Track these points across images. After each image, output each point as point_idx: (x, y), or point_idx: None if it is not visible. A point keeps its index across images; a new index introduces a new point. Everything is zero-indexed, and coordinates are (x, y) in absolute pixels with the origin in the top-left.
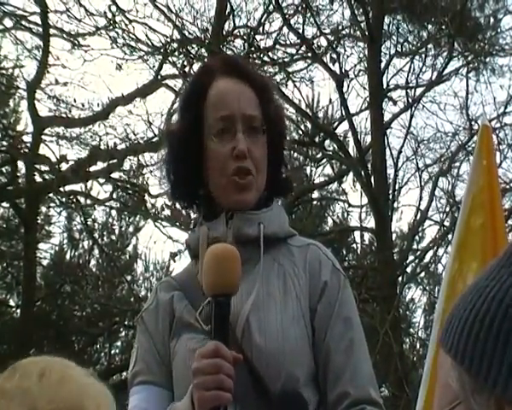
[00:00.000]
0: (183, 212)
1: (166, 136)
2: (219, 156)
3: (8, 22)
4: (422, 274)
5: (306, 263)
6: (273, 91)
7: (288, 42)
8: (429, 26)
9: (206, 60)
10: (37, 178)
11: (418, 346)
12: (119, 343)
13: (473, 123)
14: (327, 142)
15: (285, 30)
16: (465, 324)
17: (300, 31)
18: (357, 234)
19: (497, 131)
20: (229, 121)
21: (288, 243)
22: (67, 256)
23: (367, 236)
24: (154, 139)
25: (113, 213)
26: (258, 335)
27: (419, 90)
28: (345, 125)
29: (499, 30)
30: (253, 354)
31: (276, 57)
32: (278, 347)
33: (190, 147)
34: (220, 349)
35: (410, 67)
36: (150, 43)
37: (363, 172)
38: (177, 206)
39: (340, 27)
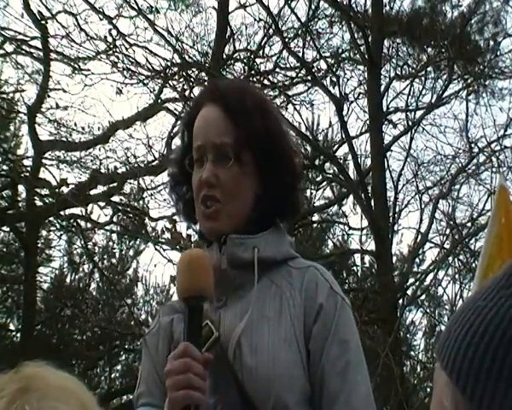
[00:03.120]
0: (184, 235)
1: (167, 165)
2: (194, 187)
3: (8, 47)
4: (423, 297)
5: (303, 285)
6: (258, 111)
7: (287, 65)
8: (429, 50)
9: (205, 84)
10: (38, 202)
11: (419, 369)
12: (119, 367)
13: (473, 145)
14: (327, 165)
15: (285, 53)
16: (461, 343)
17: (300, 54)
18: (357, 257)
19: (497, 154)
20: (201, 151)
21: (288, 264)
22: (68, 280)
23: (367, 258)
24: (155, 163)
25: (114, 236)
26: (249, 357)
27: (419, 113)
28: (345, 148)
29: (499, 53)
30: (244, 377)
31: (276, 81)
32: (268, 371)
33: (183, 179)
34: (188, 349)
35: (410, 90)
36: (150, 67)
37: (363, 195)
38: (178, 229)
39: (340, 51)
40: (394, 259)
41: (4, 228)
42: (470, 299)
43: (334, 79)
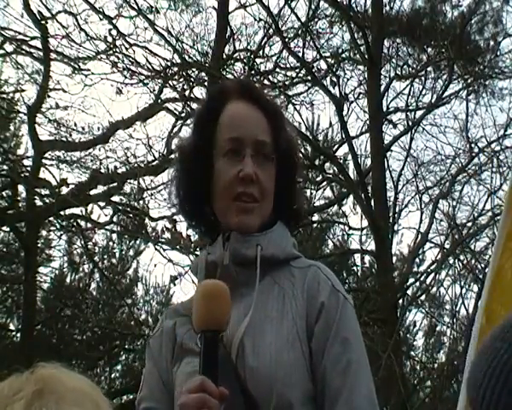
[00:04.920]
0: (184, 235)
1: (177, 151)
2: (226, 177)
3: (8, 47)
4: (423, 297)
5: (305, 284)
6: (285, 120)
7: (288, 65)
8: (429, 50)
9: (205, 84)
10: (38, 202)
11: (419, 369)
12: (119, 367)
13: (473, 145)
14: (327, 165)
15: (285, 53)
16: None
17: (300, 54)
18: (357, 257)
19: (498, 154)
20: (238, 143)
21: (290, 264)
22: (68, 280)
23: (367, 258)
24: (154, 163)
25: (114, 236)
26: (251, 357)
27: (419, 113)
28: (345, 148)
29: (499, 53)
30: (247, 377)
31: (276, 81)
32: (270, 370)
33: (199, 163)
34: (205, 384)
35: (410, 90)
36: (150, 67)
37: (363, 195)
38: (178, 229)
39: (340, 51)
40: (394, 259)
41: (4, 228)
42: (491, 337)
43: (334, 79)
